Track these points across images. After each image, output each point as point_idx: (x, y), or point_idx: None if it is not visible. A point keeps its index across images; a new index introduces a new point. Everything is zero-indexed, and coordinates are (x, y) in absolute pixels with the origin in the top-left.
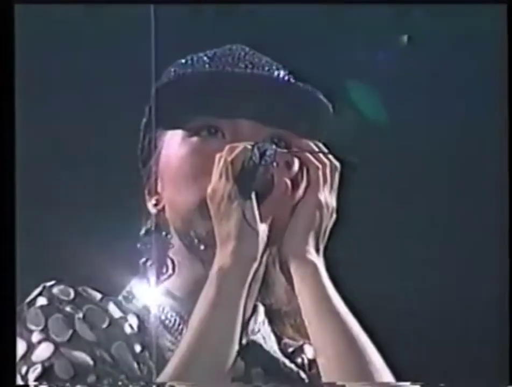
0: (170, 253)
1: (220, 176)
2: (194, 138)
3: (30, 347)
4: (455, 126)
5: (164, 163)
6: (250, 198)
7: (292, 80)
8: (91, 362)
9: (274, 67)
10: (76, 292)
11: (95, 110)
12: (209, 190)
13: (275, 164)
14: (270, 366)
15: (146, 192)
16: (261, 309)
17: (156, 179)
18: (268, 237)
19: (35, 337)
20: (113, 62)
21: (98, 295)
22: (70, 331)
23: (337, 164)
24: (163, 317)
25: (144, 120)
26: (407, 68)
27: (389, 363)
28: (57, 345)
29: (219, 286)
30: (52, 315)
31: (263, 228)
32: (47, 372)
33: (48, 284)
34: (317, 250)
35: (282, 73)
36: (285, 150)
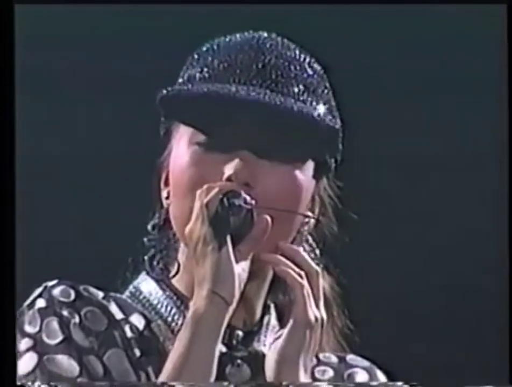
0: (176, 253)
1: (197, 217)
2: (197, 147)
3: (19, 355)
4: (454, 126)
5: (172, 162)
6: (225, 241)
7: (294, 104)
8: (77, 369)
9: (277, 81)
10: (77, 293)
11: (95, 110)
12: (187, 229)
13: (253, 201)
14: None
15: (162, 182)
16: (272, 309)
17: (168, 171)
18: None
19: (24, 344)
20: (113, 62)
21: (100, 294)
22: (62, 337)
23: (318, 269)
24: (169, 319)
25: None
26: (407, 68)
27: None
28: (41, 355)
29: (192, 330)
30: (48, 317)
31: (241, 268)
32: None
33: (50, 283)
34: (306, 369)
35: (290, 91)
36: (253, 202)
